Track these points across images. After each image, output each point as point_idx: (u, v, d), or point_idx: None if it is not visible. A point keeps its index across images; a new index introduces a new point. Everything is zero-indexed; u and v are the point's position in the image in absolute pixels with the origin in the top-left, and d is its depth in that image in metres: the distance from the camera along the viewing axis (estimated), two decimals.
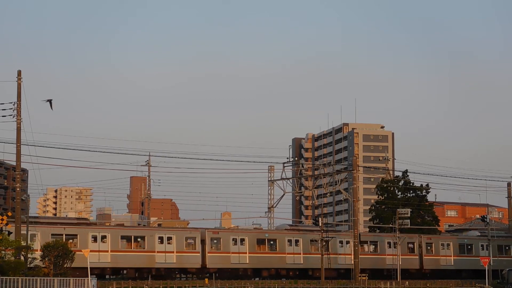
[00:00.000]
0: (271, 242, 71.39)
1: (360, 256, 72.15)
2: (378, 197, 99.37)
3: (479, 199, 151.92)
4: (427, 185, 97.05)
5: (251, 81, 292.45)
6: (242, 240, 69.34)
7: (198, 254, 67.42)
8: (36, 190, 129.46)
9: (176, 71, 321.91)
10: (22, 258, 50.91)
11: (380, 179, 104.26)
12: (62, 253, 51.15)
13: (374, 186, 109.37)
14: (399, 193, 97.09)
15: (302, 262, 72.03)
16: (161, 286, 60.77)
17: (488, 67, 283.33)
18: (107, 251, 64.05)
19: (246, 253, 69.56)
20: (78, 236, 63.04)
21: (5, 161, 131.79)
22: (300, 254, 71.93)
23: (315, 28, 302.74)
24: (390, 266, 76.07)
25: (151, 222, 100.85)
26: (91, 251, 56.25)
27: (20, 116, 56.58)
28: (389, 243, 77.65)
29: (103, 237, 64.24)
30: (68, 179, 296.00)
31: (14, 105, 56.61)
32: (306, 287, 66.36)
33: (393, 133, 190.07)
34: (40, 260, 51.90)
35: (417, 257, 79.52)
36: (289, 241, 71.99)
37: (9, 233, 51.98)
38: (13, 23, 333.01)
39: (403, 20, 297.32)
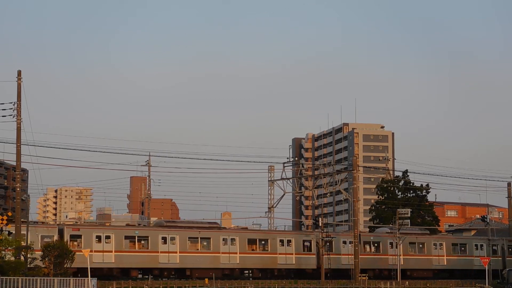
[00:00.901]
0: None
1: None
2: (378, 197, 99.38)
3: (479, 199, 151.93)
4: (427, 185, 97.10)
5: (251, 81, 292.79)
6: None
7: None
8: (36, 190, 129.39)
9: (176, 71, 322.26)
10: (22, 258, 50.91)
11: (380, 179, 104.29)
12: (62, 253, 51.15)
13: (374, 186, 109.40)
14: (399, 193, 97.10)
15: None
16: (161, 286, 60.74)
17: (488, 67, 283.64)
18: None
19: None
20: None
21: (5, 161, 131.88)
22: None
23: (315, 28, 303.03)
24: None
25: (151, 222, 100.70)
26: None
27: (20, 116, 56.59)
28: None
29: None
30: (68, 179, 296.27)
31: (14, 105, 56.63)
32: (306, 287, 66.37)
33: (393, 133, 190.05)
34: (40, 260, 51.90)
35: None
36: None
37: (9, 233, 51.99)
38: (13, 23, 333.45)
39: (403, 20, 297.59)
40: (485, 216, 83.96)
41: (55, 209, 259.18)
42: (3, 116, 56.42)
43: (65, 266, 51.23)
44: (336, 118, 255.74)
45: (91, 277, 48.39)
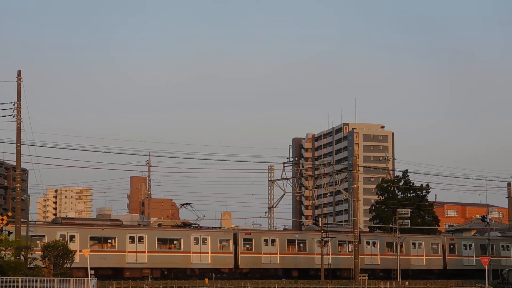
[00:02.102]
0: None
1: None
2: (378, 197, 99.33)
3: (479, 199, 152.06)
4: (427, 185, 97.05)
5: (251, 81, 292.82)
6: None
7: None
8: (36, 190, 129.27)
9: (176, 71, 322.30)
10: (22, 258, 50.90)
11: (380, 179, 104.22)
12: (62, 253, 51.14)
13: (374, 186, 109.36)
14: (399, 193, 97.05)
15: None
16: (161, 286, 60.67)
17: (488, 67, 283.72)
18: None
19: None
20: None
21: (5, 161, 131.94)
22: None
23: (315, 28, 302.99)
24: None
25: (151, 222, 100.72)
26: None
27: (20, 116, 56.60)
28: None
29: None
30: (68, 179, 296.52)
31: (14, 105, 56.65)
32: (306, 287, 66.35)
33: (393, 133, 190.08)
34: (40, 260, 51.89)
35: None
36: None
37: (9, 233, 51.99)
38: (14, 23, 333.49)
39: (402, 20, 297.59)
40: (485, 216, 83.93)
41: (55, 209, 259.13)
42: (3, 116, 56.49)
43: (65, 266, 51.18)
44: (336, 118, 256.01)
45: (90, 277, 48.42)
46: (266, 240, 71.38)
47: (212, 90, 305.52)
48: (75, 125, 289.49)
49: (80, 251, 56.24)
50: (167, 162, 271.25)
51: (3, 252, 50.20)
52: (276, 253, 71.45)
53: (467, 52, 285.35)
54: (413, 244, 79.52)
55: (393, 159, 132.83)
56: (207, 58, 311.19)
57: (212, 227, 74.39)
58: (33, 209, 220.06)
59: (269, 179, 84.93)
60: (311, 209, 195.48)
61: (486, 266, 68.65)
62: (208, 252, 68.32)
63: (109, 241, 64.73)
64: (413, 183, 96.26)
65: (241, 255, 69.91)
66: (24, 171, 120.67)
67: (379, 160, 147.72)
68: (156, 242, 66.23)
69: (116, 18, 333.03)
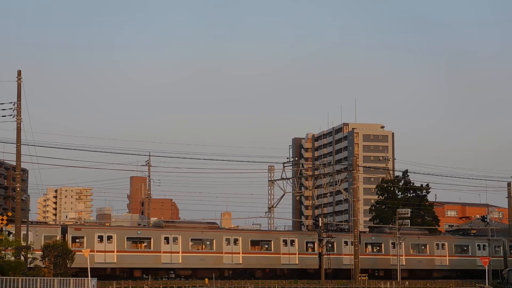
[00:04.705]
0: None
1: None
2: (378, 197, 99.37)
3: (479, 199, 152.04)
4: (427, 185, 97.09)
5: (251, 81, 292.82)
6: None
7: None
8: (36, 190, 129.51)
9: (177, 72, 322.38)
10: (22, 258, 50.88)
11: (380, 179, 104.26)
12: (62, 253, 51.13)
13: (374, 186, 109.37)
14: (399, 193, 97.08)
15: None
16: (161, 286, 60.72)
17: (487, 66, 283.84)
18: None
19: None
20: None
21: (5, 161, 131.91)
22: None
23: (315, 28, 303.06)
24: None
25: (151, 222, 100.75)
26: None
27: (20, 116, 56.58)
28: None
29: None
30: (68, 179, 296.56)
31: (14, 105, 56.62)
32: (306, 287, 66.38)
33: (393, 133, 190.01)
34: (40, 260, 51.88)
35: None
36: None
37: (9, 233, 51.96)
38: (16, 23, 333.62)
39: (401, 20, 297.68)
40: (485, 216, 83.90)
41: (55, 209, 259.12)
42: (3, 116, 56.47)
43: (65, 266, 51.19)
44: (336, 118, 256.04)
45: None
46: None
47: (212, 90, 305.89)
48: (76, 125, 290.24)
49: (182, 251, 66.26)
50: (167, 162, 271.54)
51: (3, 252, 50.19)
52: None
53: (466, 51, 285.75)
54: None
55: (393, 159, 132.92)
56: (207, 58, 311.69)
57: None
58: (33, 209, 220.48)
59: (269, 179, 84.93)
60: (311, 209, 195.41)
61: (486, 266, 68.70)
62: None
63: (208, 243, 69.02)
64: (413, 183, 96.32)
65: None
66: (24, 171, 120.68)
67: (379, 160, 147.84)
68: (250, 243, 70.59)
69: (118, 18, 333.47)
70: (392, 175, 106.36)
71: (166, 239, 66.48)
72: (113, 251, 64.30)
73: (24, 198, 60.27)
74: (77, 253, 53.98)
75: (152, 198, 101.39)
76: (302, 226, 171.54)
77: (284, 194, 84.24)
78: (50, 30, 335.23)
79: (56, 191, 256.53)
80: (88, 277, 47.94)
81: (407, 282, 72.11)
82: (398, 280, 72.62)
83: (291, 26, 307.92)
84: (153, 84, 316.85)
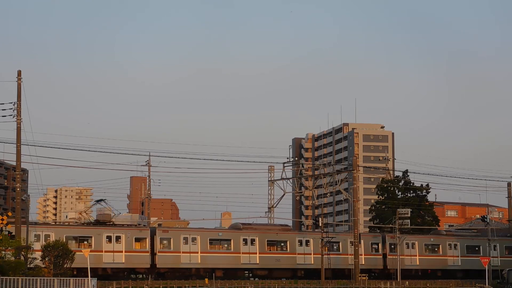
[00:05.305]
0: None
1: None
2: (378, 197, 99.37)
3: (479, 199, 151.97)
4: (427, 185, 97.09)
5: (251, 81, 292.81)
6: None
7: None
8: (36, 190, 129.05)
9: (177, 71, 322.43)
10: (22, 258, 50.88)
11: (380, 179, 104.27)
12: (62, 253, 51.12)
13: (374, 186, 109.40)
14: (399, 193, 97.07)
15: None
16: (161, 286, 60.76)
17: (487, 66, 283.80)
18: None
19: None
20: None
21: (5, 161, 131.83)
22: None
23: (315, 28, 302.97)
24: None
25: (151, 222, 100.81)
26: None
27: (20, 116, 56.63)
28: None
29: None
30: (68, 179, 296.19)
31: (14, 105, 56.63)
32: (306, 287, 66.40)
33: (393, 133, 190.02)
34: (40, 260, 51.88)
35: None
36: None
37: (9, 233, 51.97)
38: (16, 23, 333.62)
39: (401, 20, 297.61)
40: (485, 216, 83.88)
41: (55, 209, 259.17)
42: (3, 116, 56.49)
43: (65, 266, 51.16)
44: (336, 118, 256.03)
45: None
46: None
47: (212, 90, 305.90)
48: (76, 125, 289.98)
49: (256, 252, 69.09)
50: (167, 162, 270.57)
51: (3, 252, 50.20)
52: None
53: (466, 51, 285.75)
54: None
55: (393, 159, 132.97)
56: (207, 58, 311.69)
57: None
58: (33, 209, 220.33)
59: (269, 179, 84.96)
60: (311, 209, 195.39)
61: (486, 266, 68.65)
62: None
63: (282, 244, 71.60)
64: (413, 183, 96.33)
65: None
66: (24, 171, 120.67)
67: (379, 160, 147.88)
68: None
69: (118, 18, 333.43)
70: (392, 175, 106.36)
71: (245, 240, 69.31)
72: (197, 252, 67.23)
73: (24, 198, 60.26)
74: (76, 253, 54.06)
75: (152, 198, 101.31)
76: (302, 226, 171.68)
77: (284, 194, 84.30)
78: (50, 30, 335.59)
79: (56, 191, 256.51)
80: (89, 277, 47.99)
81: (407, 282, 72.12)
82: (398, 280, 72.67)
83: (291, 26, 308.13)
84: (153, 84, 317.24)
